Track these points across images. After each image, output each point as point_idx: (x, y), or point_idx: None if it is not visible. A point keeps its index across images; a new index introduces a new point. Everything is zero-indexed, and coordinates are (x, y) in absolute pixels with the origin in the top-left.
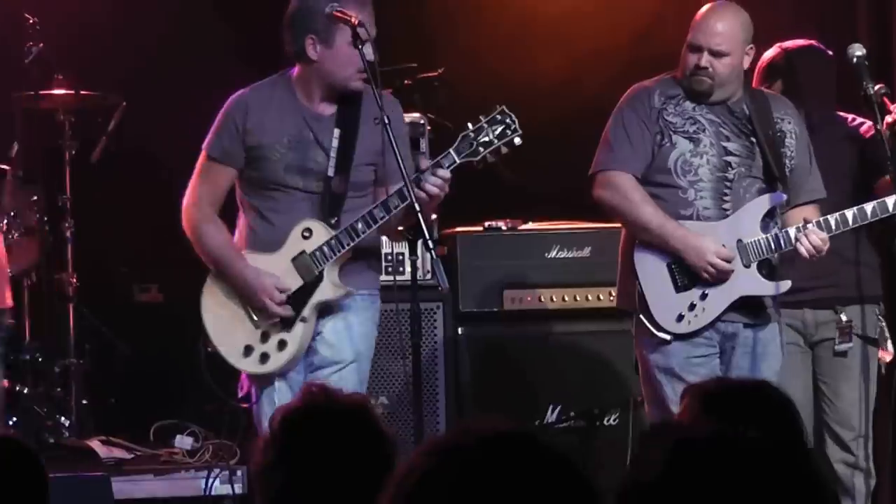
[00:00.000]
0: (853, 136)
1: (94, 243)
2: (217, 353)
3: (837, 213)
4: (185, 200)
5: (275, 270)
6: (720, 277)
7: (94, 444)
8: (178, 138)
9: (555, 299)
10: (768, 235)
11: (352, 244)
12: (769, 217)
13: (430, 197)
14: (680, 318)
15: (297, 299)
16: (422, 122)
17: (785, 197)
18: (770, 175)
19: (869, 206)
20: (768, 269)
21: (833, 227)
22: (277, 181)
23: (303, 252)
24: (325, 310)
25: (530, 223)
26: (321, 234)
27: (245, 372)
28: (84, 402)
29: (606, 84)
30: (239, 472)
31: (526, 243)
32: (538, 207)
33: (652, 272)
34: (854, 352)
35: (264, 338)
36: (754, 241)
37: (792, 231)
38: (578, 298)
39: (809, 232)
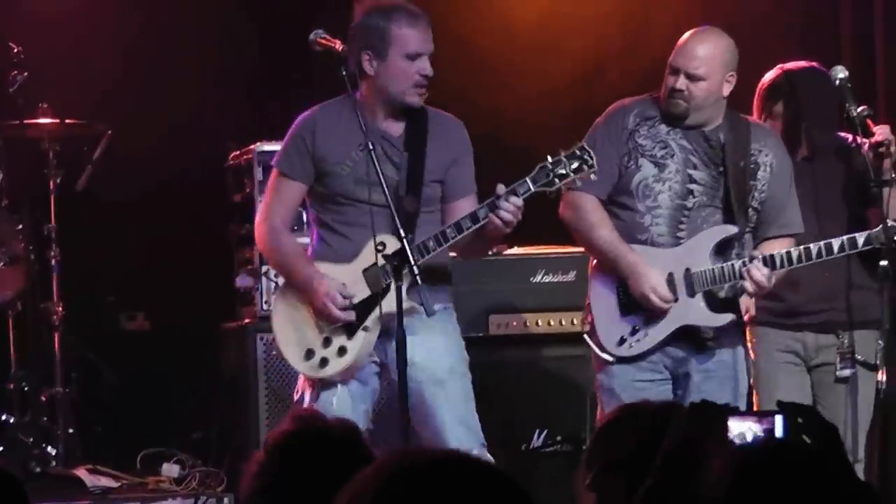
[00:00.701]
0: (855, 156)
1: (80, 272)
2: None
3: (784, 251)
4: (258, 217)
5: (345, 279)
6: (655, 312)
7: (81, 472)
8: (164, 166)
9: (540, 324)
10: (714, 267)
11: (422, 260)
12: (726, 247)
13: (503, 223)
14: (622, 341)
15: (363, 309)
16: None
17: (735, 230)
18: (731, 207)
19: (837, 242)
20: (716, 301)
21: (778, 264)
22: (347, 194)
23: (374, 264)
24: (394, 329)
25: (515, 248)
26: (394, 248)
27: (303, 375)
28: (70, 430)
29: (587, 111)
30: (226, 500)
31: (511, 268)
32: (523, 232)
33: (602, 293)
34: (853, 377)
35: (326, 343)
36: (701, 271)
37: (737, 264)
38: (564, 323)
39: (752, 268)
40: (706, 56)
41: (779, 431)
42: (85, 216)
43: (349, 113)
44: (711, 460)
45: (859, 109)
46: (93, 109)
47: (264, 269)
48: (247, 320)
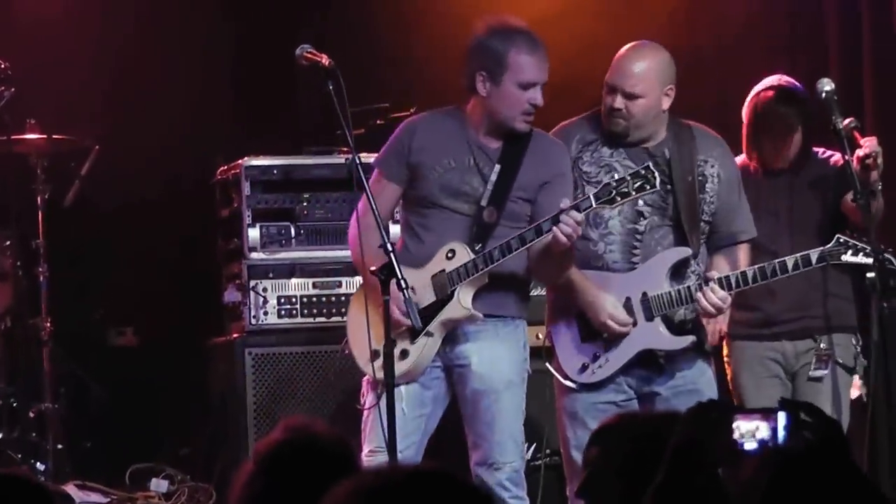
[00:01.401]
0: (827, 170)
1: (69, 287)
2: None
3: (740, 271)
4: (354, 214)
5: (415, 284)
6: (614, 338)
7: (70, 488)
8: (152, 182)
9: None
10: (672, 290)
11: (485, 269)
12: (682, 267)
13: (565, 237)
14: (584, 368)
15: (428, 314)
16: None
17: (689, 252)
18: (682, 226)
19: (791, 260)
20: (675, 323)
21: (734, 284)
22: (432, 199)
23: (443, 270)
24: (460, 335)
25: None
26: (462, 256)
27: (368, 376)
28: (59, 446)
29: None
30: None
31: None
32: None
33: (562, 322)
34: (827, 378)
35: (390, 345)
36: (658, 294)
37: (693, 287)
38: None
39: (707, 291)
40: (641, 73)
41: (782, 428)
42: (73, 231)
43: (453, 122)
44: (740, 461)
45: (846, 122)
46: (80, 125)
47: (252, 283)
48: (235, 335)
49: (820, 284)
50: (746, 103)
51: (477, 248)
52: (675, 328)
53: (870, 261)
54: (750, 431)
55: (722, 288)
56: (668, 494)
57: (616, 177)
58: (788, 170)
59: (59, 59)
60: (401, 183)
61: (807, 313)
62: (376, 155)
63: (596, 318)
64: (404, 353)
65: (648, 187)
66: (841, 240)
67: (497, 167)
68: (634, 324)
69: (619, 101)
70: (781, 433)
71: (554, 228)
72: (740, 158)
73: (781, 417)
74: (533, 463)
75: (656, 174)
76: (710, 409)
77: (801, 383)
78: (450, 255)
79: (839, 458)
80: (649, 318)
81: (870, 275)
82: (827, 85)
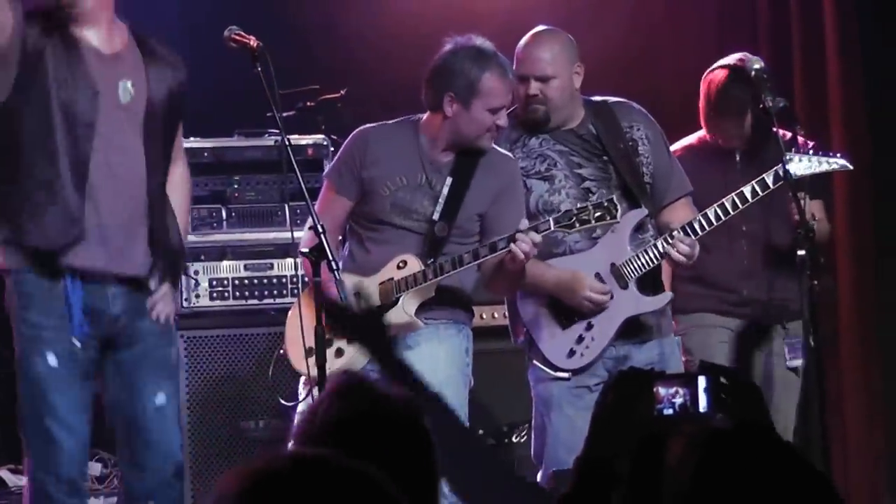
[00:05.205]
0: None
1: None
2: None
3: (701, 214)
4: (307, 224)
5: (360, 290)
6: (599, 309)
7: (3, 472)
8: None
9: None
10: (638, 253)
11: (433, 279)
12: (639, 231)
13: (522, 254)
14: (571, 353)
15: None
16: (325, 143)
17: (646, 212)
18: (630, 190)
19: (748, 188)
20: (649, 284)
21: (698, 229)
22: (383, 217)
23: (391, 279)
24: (399, 341)
25: None
26: (413, 266)
27: (303, 375)
28: None
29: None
30: None
31: None
32: None
33: (536, 316)
34: (801, 368)
35: (327, 344)
36: (626, 261)
37: (660, 243)
38: (485, 317)
39: (676, 241)
40: (548, 56)
41: (702, 391)
42: None
43: (404, 136)
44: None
45: (776, 100)
46: None
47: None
48: None
49: (794, 270)
50: (702, 80)
51: (429, 262)
52: (653, 289)
53: (824, 167)
54: (668, 396)
55: (688, 236)
56: (593, 468)
57: (578, 205)
58: (746, 149)
59: None
60: (351, 197)
61: (777, 296)
62: (307, 139)
63: (573, 298)
64: (339, 352)
65: (609, 218)
66: (790, 156)
67: (449, 180)
68: (611, 296)
69: (534, 87)
70: (703, 397)
71: (512, 246)
72: (698, 135)
73: (702, 381)
74: (508, 441)
75: (619, 207)
76: (630, 378)
77: (778, 372)
78: (401, 265)
79: (766, 433)
80: (624, 286)
81: (800, 252)
82: (756, 63)
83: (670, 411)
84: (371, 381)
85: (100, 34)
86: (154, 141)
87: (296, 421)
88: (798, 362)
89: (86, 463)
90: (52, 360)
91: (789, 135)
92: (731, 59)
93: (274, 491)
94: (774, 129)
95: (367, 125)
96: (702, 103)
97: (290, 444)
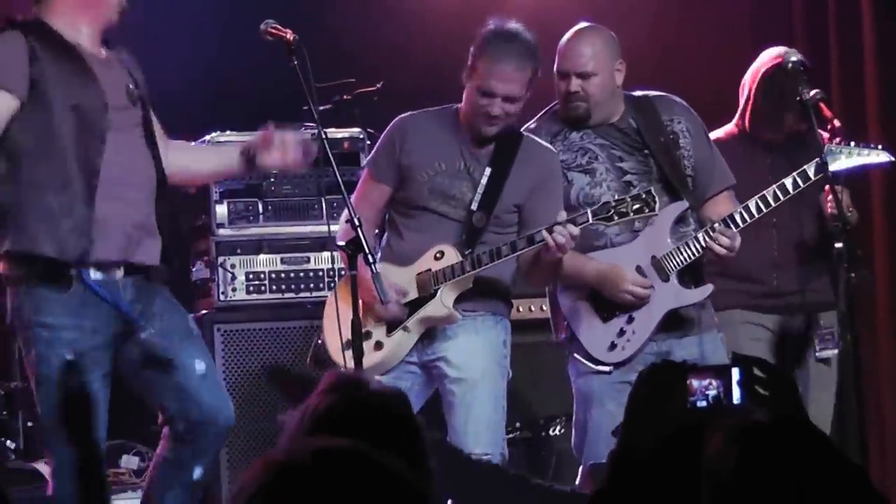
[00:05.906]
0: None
1: None
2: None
3: (742, 206)
4: (343, 215)
5: (398, 281)
6: (641, 303)
7: (41, 465)
8: None
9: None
10: (680, 246)
11: (472, 272)
12: (681, 224)
13: (557, 246)
14: (612, 346)
15: (408, 311)
16: (361, 136)
17: (686, 205)
18: (671, 184)
19: (789, 180)
20: (689, 278)
21: (739, 222)
22: (421, 202)
23: (429, 270)
24: (438, 333)
25: None
26: (451, 257)
27: (340, 366)
28: (30, 424)
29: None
30: None
31: None
32: None
33: (577, 309)
34: (833, 359)
35: (366, 336)
36: (667, 254)
37: (701, 236)
38: (522, 310)
39: (717, 234)
40: (590, 52)
41: (735, 384)
42: None
43: (445, 123)
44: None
45: (812, 93)
46: None
47: (220, 259)
48: (203, 311)
49: (825, 262)
50: (749, 73)
51: (466, 252)
52: (691, 282)
53: (864, 159)
54: (702, 389)
55: (728, 227)
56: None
57: (616, 196)
58: (781, 143)
59: None
60: (390, 184)
61: (808, 287)
62: (343, 132)
63: (615, 291)
64: (378, 345)
65: (647, 210)
66: (832, 148)
67: (488, 170)
68: (652, 289)
69: (575, 84)
70: (736, 389)
71: (547, 237)
72: (726, 128)
73: (735, 373)
74: (545, 434)
75: (657, 199)
76: (664, 370)
77: (811, 364)
78: (438, 255)
79: (805, 427)
80: (665, 279)
81: (837, 245)
82: (794, 55)
83: (704, 403)
84: (362, 378)
85: (91, 38)
86: (152, 136)
87: (289, 417)
88: (829, 353)
89: (103, 460)
90: (72, 358)
91: (826, 134)
92: (775, 52)
93: (295, 483)
94: (812, 122)
95: (407, 113)
96: (750, 95)
97: (282, 439)
